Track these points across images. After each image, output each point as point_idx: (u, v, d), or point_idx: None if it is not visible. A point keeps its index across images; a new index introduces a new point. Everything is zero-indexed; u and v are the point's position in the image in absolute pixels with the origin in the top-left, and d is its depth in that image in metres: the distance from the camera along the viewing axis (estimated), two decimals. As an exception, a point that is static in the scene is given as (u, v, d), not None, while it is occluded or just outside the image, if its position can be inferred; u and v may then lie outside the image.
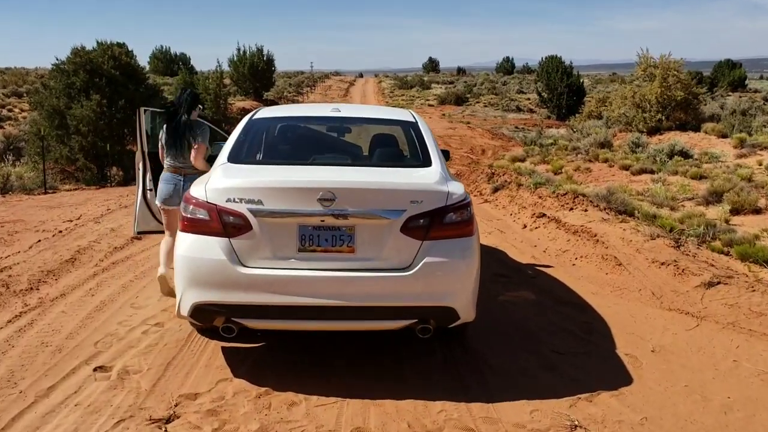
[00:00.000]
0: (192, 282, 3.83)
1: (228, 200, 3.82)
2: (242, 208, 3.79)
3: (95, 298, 5.63)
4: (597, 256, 7.09)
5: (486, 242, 7.79)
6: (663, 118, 20.88)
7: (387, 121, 5.49)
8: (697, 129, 20.65)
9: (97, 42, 22.49)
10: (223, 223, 3.81)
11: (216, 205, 3.83)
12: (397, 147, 5.24)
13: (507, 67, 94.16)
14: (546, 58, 52.77)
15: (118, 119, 20.55)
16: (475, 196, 13.18)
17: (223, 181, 3.94)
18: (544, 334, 5.06)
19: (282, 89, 53.11)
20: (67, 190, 17.78)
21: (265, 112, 5.38)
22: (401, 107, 46.83)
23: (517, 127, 40.18)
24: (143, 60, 58.73)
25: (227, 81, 40.18)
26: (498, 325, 5.19)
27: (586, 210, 8.96)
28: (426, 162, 4.46)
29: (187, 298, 3.86)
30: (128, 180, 19.30)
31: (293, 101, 50.18)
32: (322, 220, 3.80)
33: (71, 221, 8.85)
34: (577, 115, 38.11)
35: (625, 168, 15.67)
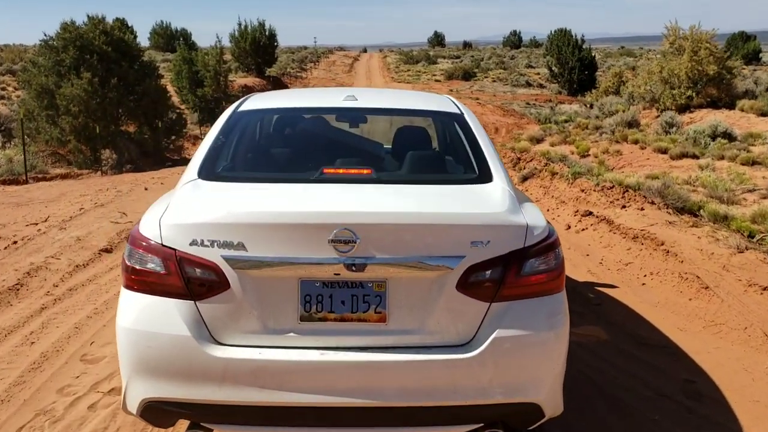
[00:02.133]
0: (141, 368, 2.53)
1: (193, 243, 2.51)
2: (215, 256, 2.49)
3: (35, 349, 4.27)
4: (672, 273, 5.71)
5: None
6: (693, 94, 19.29)
7: (421, 113, 4.02)
8: (731, 106, 19.10)
9: (88, 16, 21.09)
10: (186, 278, 2.51)
11: (175, 250, 2.53)
12: (436, 150, 4.02)
13: (514, 41, 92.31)
14: (555, 31, 51.38)
15: (111, 99, 19.25)
16: (499, 185, 11.84)
17: (186, 213, 2.61)
18: (637, 402, 3.72)
19: (285, 65, 51.49)
20: (54, 176, 16.59)
21: (256, 102, 3.93)
22: (408, 83, 45.43)
23: (528, 103, 38.86)
24: (144, 36, 57.57)
25: (228, 57, 38.70)
26: (573, 384, 3.84)
27: (641, 209, 7.55)
28: (485, 175, 3.07)
29: (135, 391, 2.56)
30: (122, 164, 18.11)
31: (296, 78, 48.73)
32: (338, 273, 2.50)
33: (35, 224, 7.50)
34: (592, 90, 36.53)
35: (661, 151, 14.22)
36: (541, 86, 49.40)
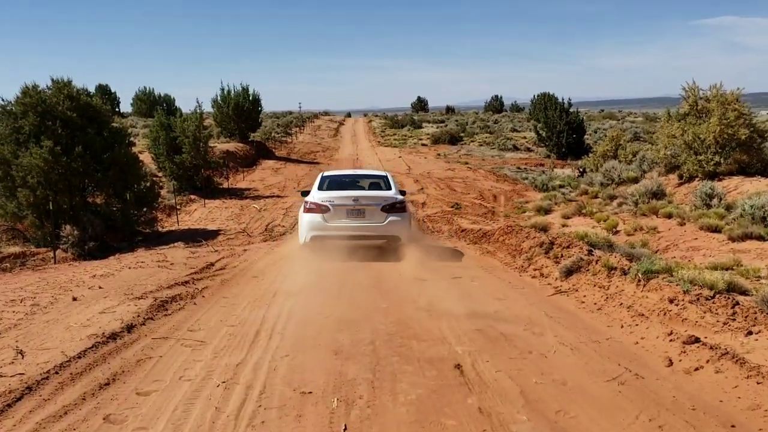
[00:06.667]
0: (309, 228, 11.49)
1: (322, 200, 11.58)
2: (327, 203, 11.48)
3: None
4: None
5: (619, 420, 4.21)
6: (721, 160, 17.50)
7: (377, 176, 13.64)
8: (763, 173, 17.34)
9: (52, 80, 19.04)
10: (321, 208, 11.48)
11: (317, 202, 11.56)
12: (380, 184, 12.90)
13: (496, 105, 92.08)
14: (538, 95, 51.13)
15: (75, 168, 17.03)
16: (534, 278, 9.64)
17: (318, 195, 11.80)
18: None
19: (269, 130, 49.98)
20: (7, 256, 14.36)
21: (328, 172, 13.96)
22: (394, 147, 44.61)
23: (519, 167, 37.45)
24: (127, 102, 56.53)
25: (210, 122, 36.88)
26: None
27: (777, 337, 5.40)
28: (390, 189, 12.34)
29: (307, 235, 11.52)
30: (85, 240, 15.74)
31: (281, 142, 47.36)
32: (354, 207, 11.48)
33: None
34: (589, 154, 34.99)
35: (711, 229, 12.25)
36: (528, 150, 48.43)
